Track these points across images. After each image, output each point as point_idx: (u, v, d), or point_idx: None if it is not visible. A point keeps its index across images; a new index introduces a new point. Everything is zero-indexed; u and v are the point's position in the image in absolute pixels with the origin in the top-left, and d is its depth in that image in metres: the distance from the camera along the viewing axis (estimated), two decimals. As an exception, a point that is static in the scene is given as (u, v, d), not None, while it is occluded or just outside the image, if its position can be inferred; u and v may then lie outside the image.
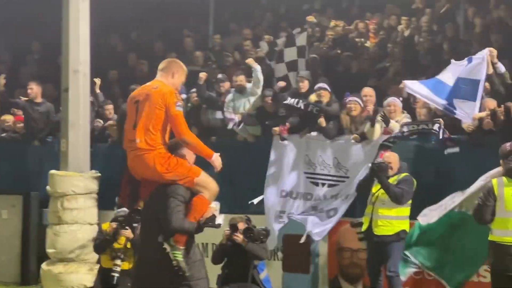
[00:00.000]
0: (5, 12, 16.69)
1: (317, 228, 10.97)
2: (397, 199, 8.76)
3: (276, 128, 11.39)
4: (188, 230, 6.47)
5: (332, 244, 11.01)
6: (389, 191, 8.76)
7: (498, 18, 13.88)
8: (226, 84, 12.57)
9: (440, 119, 10.30)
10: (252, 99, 12.21)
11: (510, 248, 7.18)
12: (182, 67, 6.70)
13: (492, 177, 8.02)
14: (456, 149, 10.32)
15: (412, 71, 12.51)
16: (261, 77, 12.18)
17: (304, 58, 13.04)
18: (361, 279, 10.61)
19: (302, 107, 11.20)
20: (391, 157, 9.18)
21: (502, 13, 13.82)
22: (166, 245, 6.43)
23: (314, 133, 11.36)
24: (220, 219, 6.62)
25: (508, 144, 7.55)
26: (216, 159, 6.40)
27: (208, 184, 6.42)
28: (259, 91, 12.15)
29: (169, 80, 6.52)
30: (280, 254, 11.41)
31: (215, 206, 6.66)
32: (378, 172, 8.85)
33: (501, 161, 7.56)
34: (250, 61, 12.40)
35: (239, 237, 9.51)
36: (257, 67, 12.22)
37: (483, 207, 7.30)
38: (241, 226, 9.86)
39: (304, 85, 11.71)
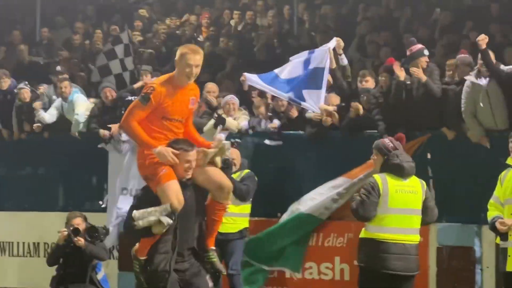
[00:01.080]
0: None
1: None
2: (242, 195, 8.77)
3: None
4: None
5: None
6: (235, 188, 8.80)
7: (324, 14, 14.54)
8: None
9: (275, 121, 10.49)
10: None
11: (385, 244, 7.02)
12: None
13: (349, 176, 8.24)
14: (279, 143, 10.61)
15: (249, 65, 12.63)
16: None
17: (131, 56, 12.80)
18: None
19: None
20: (234, 154, 9.01)
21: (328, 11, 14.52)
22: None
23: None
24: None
25: (386, 140, 7.39)
26: (159, 152, 6.09)
27: (163, 198, 6.06)
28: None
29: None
30: (116, 253, 11.23)
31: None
32: (225, 168, 8.86)
33: (376, 157, 7.33)
34: None
35: (81, 241, 9.25)
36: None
37: (368, 203, 6.98)
38: (79, 222, 9.64)
39: (148, 79, 11.41)
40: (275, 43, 14.05)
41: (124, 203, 11.08)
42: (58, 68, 13.12)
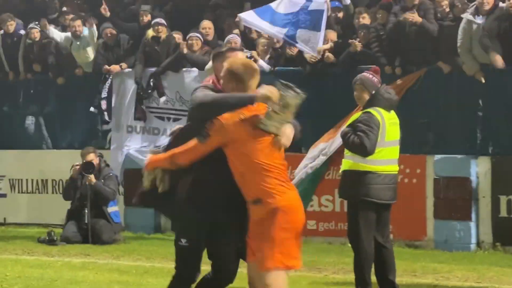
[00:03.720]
0: None
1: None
2: None
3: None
4: None
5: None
6: None
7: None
8: None
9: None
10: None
11: (382, 176, 7.27)
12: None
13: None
14: None
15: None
16: None
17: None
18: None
19: None
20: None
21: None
22: None
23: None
24: None
25: (369, 75, 7.34)
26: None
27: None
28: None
29: None
30: (121, 189, 11.98)
31: None
32: None
33: (361, 93, 7.27)
34: None
35: (90, 178, 10.16)
36: None
37: (373, 137, 6.98)
38: (92, 157, 10.66)
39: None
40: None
41: (131, 141, 11.90)
42: (64, 8, 13.77)
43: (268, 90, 5.07)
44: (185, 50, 11.52)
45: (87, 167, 10.34)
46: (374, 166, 7.19)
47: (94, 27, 12.53)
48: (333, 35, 10.90)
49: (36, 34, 12.75)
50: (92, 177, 10.30)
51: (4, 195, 13.13)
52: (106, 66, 12.19)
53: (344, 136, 7.22)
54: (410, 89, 10.77)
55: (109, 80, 12.23)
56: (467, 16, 10.21)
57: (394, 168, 7.37)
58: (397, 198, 7.43)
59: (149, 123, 12.02)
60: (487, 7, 10.09)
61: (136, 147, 12.00)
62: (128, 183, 11.76)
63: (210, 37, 11.68)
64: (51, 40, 12.78)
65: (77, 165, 10.51)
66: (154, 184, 5.43)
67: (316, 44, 10.38)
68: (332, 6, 10.78)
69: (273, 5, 10.68)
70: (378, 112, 7.11)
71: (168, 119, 11.82)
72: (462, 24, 10.27)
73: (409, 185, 10.63)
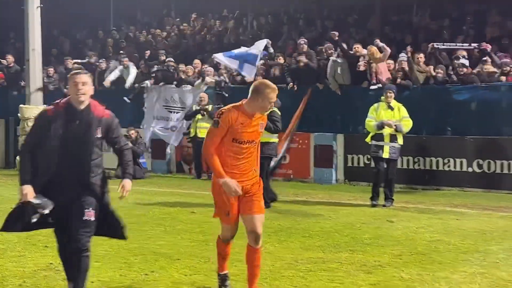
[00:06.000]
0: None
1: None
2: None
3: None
4: None
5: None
6: None
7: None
8: None
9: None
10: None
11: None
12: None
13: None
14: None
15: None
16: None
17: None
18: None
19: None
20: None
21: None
22: None
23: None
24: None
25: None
26: (224, 184, 6.17)
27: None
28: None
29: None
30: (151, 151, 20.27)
31: None
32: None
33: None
34: None
35: (129, 144, 18.22)
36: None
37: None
38: (133, 133, 18.45)
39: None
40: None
41: (154, 123, 20.11)
42: (121, 51, 22.44)
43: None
44: (183, 76, 19.82)
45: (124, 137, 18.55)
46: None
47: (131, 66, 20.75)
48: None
49: (101, 65, 21.24)
50: (129, 142, 18.40)
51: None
52: (147, 82, 20.35)
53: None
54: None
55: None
56: (333, 58, 17.97)
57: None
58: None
59: (163, 113, 20.20)
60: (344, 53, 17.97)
61: (157, 127, 20.14)
62: (153, 147, 19.97)
63: (198, 68, 19.95)
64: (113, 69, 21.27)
65: None
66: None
67: (252, 72, 17.55)
68: (263, 54, 18.45)
69: (234, 50, 18.40)
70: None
71: (171, 112, 19.94)
72: (330, 62, 17.93)
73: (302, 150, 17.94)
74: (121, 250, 8.93)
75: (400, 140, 13.58)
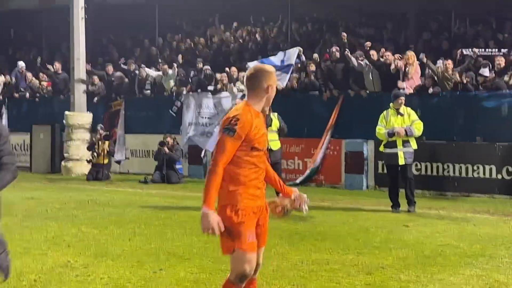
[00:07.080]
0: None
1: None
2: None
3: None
4: None
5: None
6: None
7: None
8: None
9: None
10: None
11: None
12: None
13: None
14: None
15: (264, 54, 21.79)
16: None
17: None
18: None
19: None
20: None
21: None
22: None
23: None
24: None
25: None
26: (206, 216, 4.95)
27: (235, 262, 5.24)
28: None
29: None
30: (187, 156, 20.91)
31: None
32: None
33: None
34: None
35: (166, 150, 18.87)
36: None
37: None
38: (168, 139, 19.13)
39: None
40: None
41: (191, 131, 20.72)
42: (160, 59, 23.21)
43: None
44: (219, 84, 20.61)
45: (162, 144, 18.82)
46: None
47: (175, 69, 21.36)
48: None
49: (143, 72, 21.91)
50: (165, 148, 18.70)
51: (127, 159, 21.81)
52: (183, 89, 21.04)
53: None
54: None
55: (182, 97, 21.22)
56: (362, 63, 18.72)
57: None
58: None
59: (199, 120, 20.80)
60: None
61: (193, 133, 20.80)
62: (189, 152, 20.61)
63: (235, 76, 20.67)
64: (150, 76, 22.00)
65: (160, 143, 19.26)
66: None
67: (285, 80, 18.08)
68: (296, 61, 19.01)
69: (271, 57, 18.93)
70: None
71: (206, 118, 20.61)
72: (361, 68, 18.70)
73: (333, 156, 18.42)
74: (137, 250, 9.45)
75: (414, 145, 13.72)
